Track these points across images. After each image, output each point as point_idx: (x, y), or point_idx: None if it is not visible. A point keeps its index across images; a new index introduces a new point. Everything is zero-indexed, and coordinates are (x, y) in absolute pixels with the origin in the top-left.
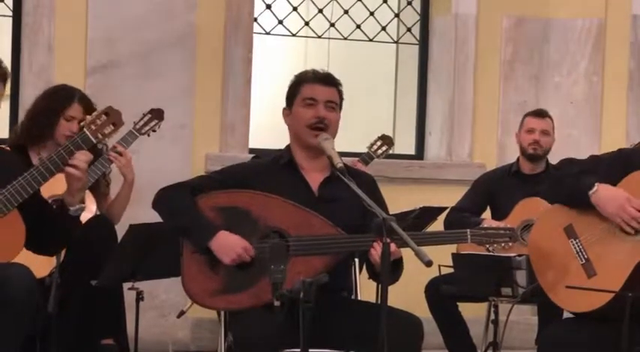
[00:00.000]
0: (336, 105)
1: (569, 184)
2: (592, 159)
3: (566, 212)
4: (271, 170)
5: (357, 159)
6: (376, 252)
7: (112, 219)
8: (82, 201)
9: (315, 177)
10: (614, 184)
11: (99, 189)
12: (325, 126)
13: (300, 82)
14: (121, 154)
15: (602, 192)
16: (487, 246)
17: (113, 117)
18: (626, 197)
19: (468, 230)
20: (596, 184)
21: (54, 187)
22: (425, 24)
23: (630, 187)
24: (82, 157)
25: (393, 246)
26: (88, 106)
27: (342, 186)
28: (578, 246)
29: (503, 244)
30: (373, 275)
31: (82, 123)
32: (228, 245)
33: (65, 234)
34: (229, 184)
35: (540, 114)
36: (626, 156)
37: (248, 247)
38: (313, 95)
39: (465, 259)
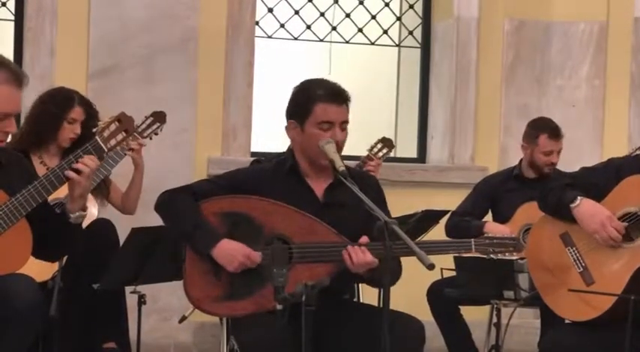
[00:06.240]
0: (347, 123)
1: (555, 197)
2: (583, 171)
3: (562, 220)
4: (275, 177)
5: (358, 162)
6: (348, 257)
7: (129, 210)
8: (84, 209)
9: (319, 184)
10: (607, 193)
11: (100, 190)
12: (338, 148)
13: (313, 100)
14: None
15: (584, 207)
16: (492, 255)
17: (125, 123)
18: (608, 215)
19: (472, 240)
20: (579, 198)
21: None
22: (427, 27)
23: (622, 194)
24: (88, 162)
25: (369, 256)
26: (88, 107)
27: (346, 191)
28: (576, 254)
29: (507, 254)
30: (360, 279)
31: (93, 130)
32: (231, 253)
33: (66, 242)
34: (232, 190)
35: (557, 135)
36: (617, 166)
37: (252, 255)
38: (329, 119)
39: (467, 262)
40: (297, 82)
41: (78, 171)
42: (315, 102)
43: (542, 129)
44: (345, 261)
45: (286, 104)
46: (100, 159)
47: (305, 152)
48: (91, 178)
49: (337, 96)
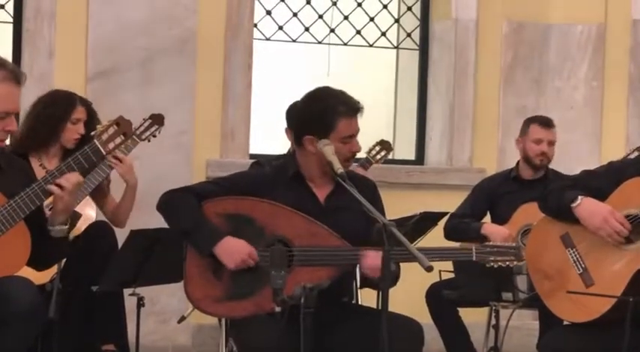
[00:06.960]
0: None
1: (555, 198)
2: (584, 175)
3: (563, 221)
4: (278, 182)
5: (356, 164)
6: (365, 263)
7: (118, 224)
8: (65, 223)
9: (322, 189)
10: (607, 196)
11: (101, 190)
12: (352, 156)
13: (337, 116)
14: (120, 161)
15: (585, 206)
16: (492, 264)
17: (124, 127)
18: (610, 210)
19: (474, 246)
20: (579, 197)
21: None
22: (425, 29)
23: (623, 196)
24: (70, 178)
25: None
26: (88, 106)
27: (348, 195)
28: (575, 256)
29: (507, 263)
30: (364, 282)
31: (92, 133)
32: (234, 250)
33: (48, 253)
34: (235, 192)
35: (548, 124)
36: (616, 169)
37: (253, 252)
38: (352, 133)
39: (466, 264)
40: (297, 86)
41: (60, 186)
42: (339, 118)
43: (533, 120)
44: (362, 266)
45: (296, 115)
46: (99, 163)
47: (322, 167)
48: (74, 194)
49: (357, 109)
